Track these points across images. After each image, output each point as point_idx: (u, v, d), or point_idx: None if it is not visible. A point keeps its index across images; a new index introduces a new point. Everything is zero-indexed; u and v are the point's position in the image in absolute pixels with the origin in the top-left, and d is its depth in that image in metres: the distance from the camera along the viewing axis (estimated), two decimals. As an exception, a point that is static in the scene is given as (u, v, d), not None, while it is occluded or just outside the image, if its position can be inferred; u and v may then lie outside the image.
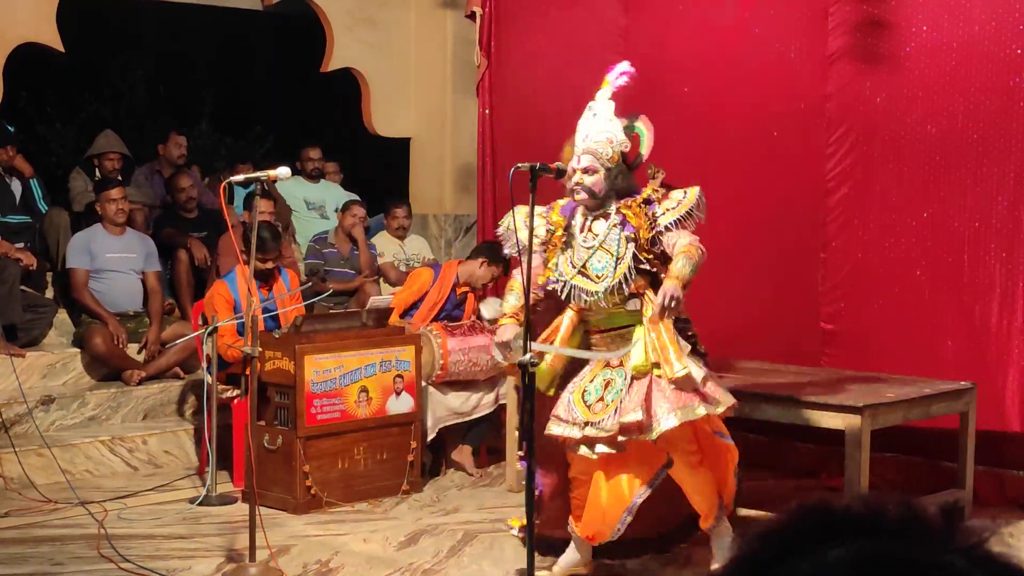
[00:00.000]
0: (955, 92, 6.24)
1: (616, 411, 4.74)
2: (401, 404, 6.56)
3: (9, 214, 7.90)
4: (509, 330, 4.94)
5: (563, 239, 4.98)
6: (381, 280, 8.51)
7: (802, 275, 6.73)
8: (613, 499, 4.92)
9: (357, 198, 9.07)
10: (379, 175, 10.51)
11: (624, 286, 4.85)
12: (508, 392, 6.63)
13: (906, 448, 6.39)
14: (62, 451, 6.75)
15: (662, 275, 4.80)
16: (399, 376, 6.54)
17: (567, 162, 4.90)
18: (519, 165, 4.61)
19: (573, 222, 4.99)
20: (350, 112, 9.84)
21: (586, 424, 4.78)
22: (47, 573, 5.17)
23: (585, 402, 4.85)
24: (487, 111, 8.36)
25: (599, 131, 4.92)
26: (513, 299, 5.01)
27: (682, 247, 4.74)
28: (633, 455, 4.85)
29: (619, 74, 5.06)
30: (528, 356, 4.26)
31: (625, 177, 4.94)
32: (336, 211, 8.97)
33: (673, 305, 4.59)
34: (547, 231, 5.00)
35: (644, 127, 5.01)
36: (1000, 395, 6.16)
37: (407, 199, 9.18)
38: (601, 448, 4.77)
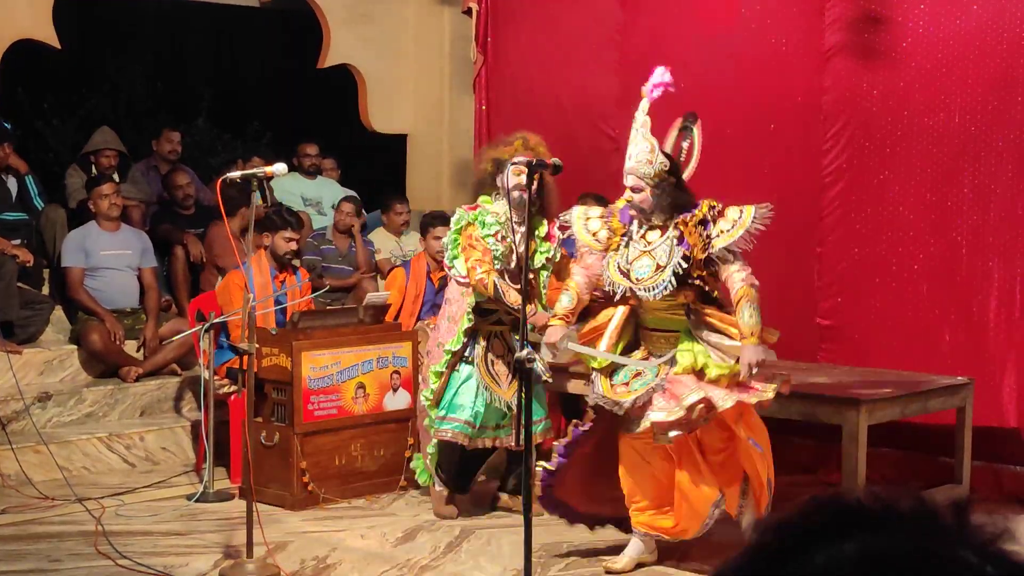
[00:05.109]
0: (952, 86, 6.25)
1: (637, 399, 4.94)
2: (398, 400, 6.56)
3: (5, 211, 7.88)
4: (557, 331, 5.12)
5: (621, 243, 5.08)
6: (378, 276, 8.51)
7: (799, 270, 6.73)
8: (698, 496, 5.05)
9: (354, 194, 9.07)
10: (376, 171, 10.51)
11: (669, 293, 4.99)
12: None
13: (903, 443, 6.40)
14: (59, 448, 6.75)
15: (715, 292, 4.97)
16: (396, 372, 6.54)
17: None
18: (516, 161, 4.63)
19: (631, 228, 5.07)
20: (347, 108, 9.84)
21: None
22: (45, 570, 5.17)
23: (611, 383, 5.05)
24: (484, 107, 8.35)
25: (639, 152, 4.96)
26: (566, 300, 5.17)
27: (740, 291, 4.85)
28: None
29: (653, 86, 5.04)
30: (525, 352, 4.27)
31: (674, 191, 4.98)
32: (333, 207, 8.98)
33: (756, 372, 4.81)
34: (608, 235, 5.11)
35: (697, 135, 5.04)
36: (997, 390, 6.16)
37: (406, 195, 9.19)
38: (675, 433, 4.88)
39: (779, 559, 0.89)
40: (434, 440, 5.94)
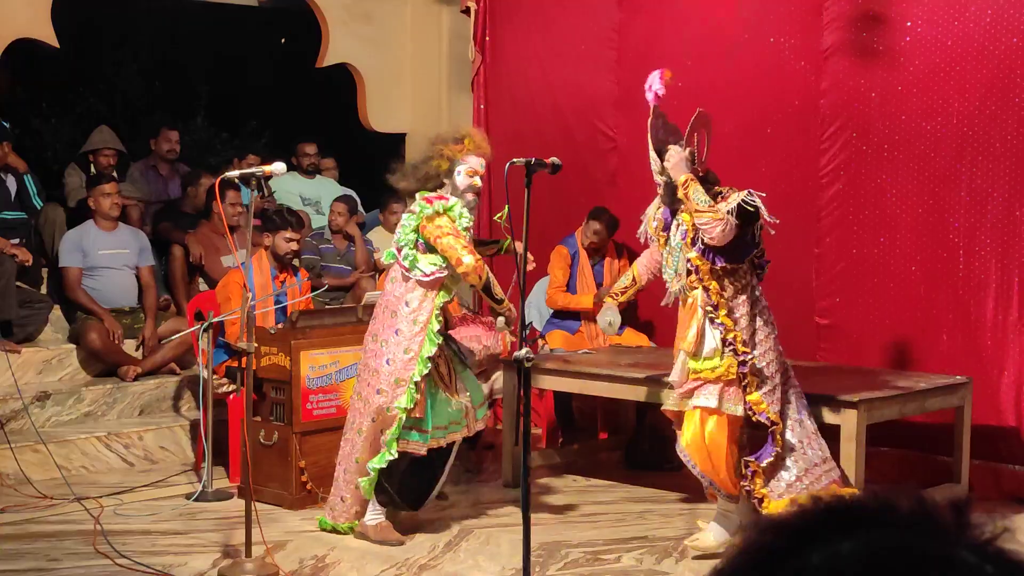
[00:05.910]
0: (950, 88, 6.25)
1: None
2: (397, 399, 6.55)
3: (4, 210, 7.88)
4: (606, 311, 5.72)
5: (665, 238, 5.39)
6: (377, 276, 8.51)
7: (797, 270, 6.74)
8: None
9: (349, 194, 9.06)
10: (375, 171, 10.51)
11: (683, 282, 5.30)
12: (504, 386, 6.63)
13: (902, 442, 6.40)
14: (58, 447, 6.75)
15: (703, 276, 5.18)
16: (395, 371, 6.53)
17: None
18: (514, 160, 4.64)
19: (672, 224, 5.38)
20: (346, 107, 9.84)
21: None
22: (43, 569, 5.17)
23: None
24: (482, 106, 8.36)
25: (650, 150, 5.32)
26: (623, 281, 5.75)
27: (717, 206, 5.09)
28: None
29: (647, 91, 5.24)
30: (524, 352, 4.27)
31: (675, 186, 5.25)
32: (332, 207, 8.97)
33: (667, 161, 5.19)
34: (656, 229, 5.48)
35: (694, 131, 5.26)
36: (995, 389, 6.17)
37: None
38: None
39: (778, 558, 0.90)
40: (386, 456, 5.44)
